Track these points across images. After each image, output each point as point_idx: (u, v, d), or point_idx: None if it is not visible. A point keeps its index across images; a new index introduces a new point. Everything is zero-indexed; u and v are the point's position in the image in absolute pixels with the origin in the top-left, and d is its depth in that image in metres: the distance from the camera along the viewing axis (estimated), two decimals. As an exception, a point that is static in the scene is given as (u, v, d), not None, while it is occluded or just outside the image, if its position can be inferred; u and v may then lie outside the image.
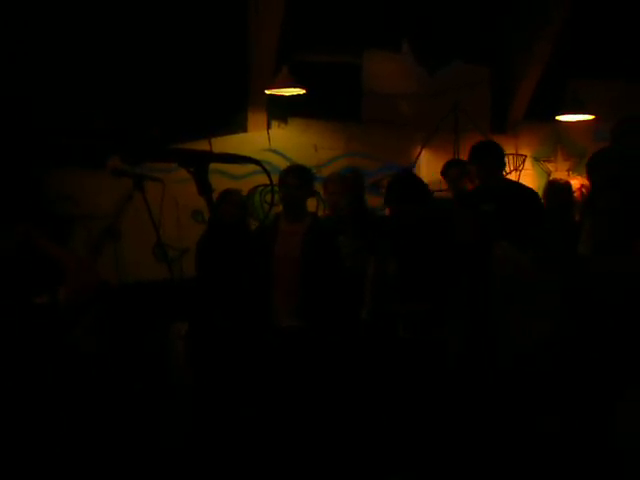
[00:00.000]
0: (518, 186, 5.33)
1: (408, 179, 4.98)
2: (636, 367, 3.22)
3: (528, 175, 7.76)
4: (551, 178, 7.39)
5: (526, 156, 7.83)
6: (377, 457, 4.75)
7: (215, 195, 4.84)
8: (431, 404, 4.22)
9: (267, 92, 6.31)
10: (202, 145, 6.31)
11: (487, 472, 4.00)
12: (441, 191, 6.17)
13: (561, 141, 8.15)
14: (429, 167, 7.27)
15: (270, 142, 6.83)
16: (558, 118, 7.29)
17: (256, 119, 6.79)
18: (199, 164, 2.03)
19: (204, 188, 2.01)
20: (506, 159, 5.21)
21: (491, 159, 4.94)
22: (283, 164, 6.03)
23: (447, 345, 4.22)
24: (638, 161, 4.06)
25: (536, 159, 7.92)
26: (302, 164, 5.83)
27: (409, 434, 4.37)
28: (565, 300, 3.60)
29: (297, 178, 4.76)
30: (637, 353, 3.31)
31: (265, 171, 2.30)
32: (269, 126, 6.86)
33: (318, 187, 6.50)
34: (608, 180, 3.77)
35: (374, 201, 7.25)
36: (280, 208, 4.92)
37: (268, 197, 6.70)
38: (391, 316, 4.69)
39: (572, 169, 8.14)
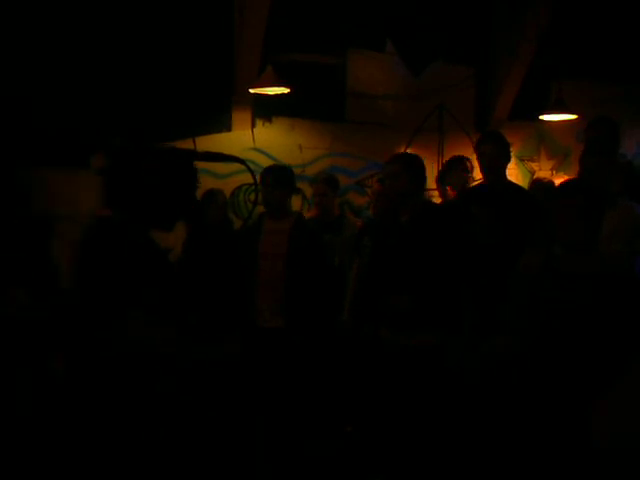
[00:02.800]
0: (521, 189, 5.23)
1: None
2: (612, 367, 3.24)
3: (512, 175, 7.75)
4: (535, 177, 7.43)
5: (510, 155, 7.85)
6: (359, 458, 4.76)
7: (198, 193, 4.83)
8: (411, 407, 4.21)
9: (252, 91, 6.30)
10: (186, 144, 6.28)
11: (466, 473, 4.00)
12: (431, 190, 6.17)
13: (544, 141, 8.19)
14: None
15: (254, 141, 6.82)
16: (541, 118, 7.33)
17: (241, 118, 6.78)
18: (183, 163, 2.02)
19: (188, 186, 2.01)
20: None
21: (500, 146, 4.82)
22: (267, 163, 6.01)
23: (432, 350, 4.17)
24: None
25: (520, 158, 7.95)
26: (283, 163, 5.83)
27: (389, 436, 4.37)
28: (539, 300, 3.61)
29: (274, 177, 4.78)
30: (612, 353, 3.33)
31: (249, 170, 2.30)
32: (254, 125, 6.85)
33: (303, 186, 6.51)
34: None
35: (359, 200, 7.28)
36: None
37: (252, 196, 6.68)
38: (372, 317, 4.67)
39: (555, 168, 8.20)
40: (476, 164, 5.17)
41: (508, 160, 4.88)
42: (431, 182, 6.26)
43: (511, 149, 4.90)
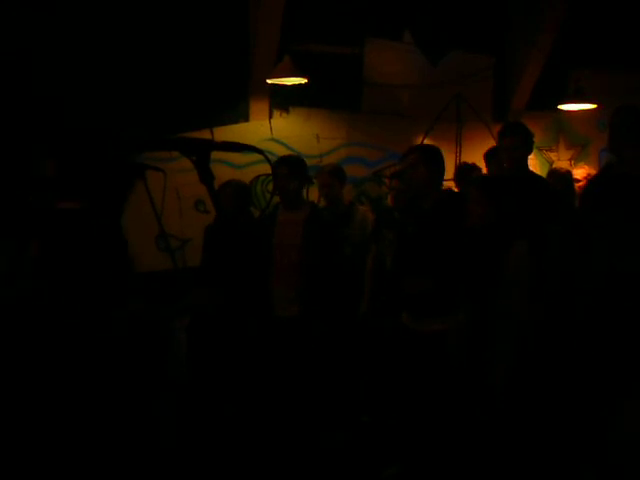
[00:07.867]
0: (541, 179, 5.18)
1: None
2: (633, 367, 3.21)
3: (530, 165, 7.73)
4: (552, 167, 7.38)
5: (528, 145, 7.79)
6: (373, 449, 4.77)
7: (217, 184, 4.84)
8: (426, 398, 4.21)
9: (269, 81, 6.30)
10: (204, 134, 6.31)
11: (480, 467, 4.00)
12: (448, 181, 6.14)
13: (563, 130, 8.13)
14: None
15: (272, 131, 6.83)
16: (560, 107, 7.27)
17: (258, 108, 6.78)
18: (201, 153, 2.03)
19: (206, 176, 2.02)
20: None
21: (518, 138, 4.78)
22: (285, 154, 6.02)
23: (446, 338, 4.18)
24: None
25: (538, 148, 7.88)
26: (300, 154, 5.83)
27: (404, 427, 4.38)
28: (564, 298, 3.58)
29: (287, 168, 4.79)
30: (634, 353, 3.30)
31: (267, 160, 2.30)
32: (271, 115, 6.85)
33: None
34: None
35: (377, 191, 7.27)
36: (282, 198, 4.95)
37: (270, 186, 6.70)
38: (390, 306, 4.68)
39: (574, 158, 8.13)
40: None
41: (529, 151, 4.86)
42: (449, 172, 6.25)
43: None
